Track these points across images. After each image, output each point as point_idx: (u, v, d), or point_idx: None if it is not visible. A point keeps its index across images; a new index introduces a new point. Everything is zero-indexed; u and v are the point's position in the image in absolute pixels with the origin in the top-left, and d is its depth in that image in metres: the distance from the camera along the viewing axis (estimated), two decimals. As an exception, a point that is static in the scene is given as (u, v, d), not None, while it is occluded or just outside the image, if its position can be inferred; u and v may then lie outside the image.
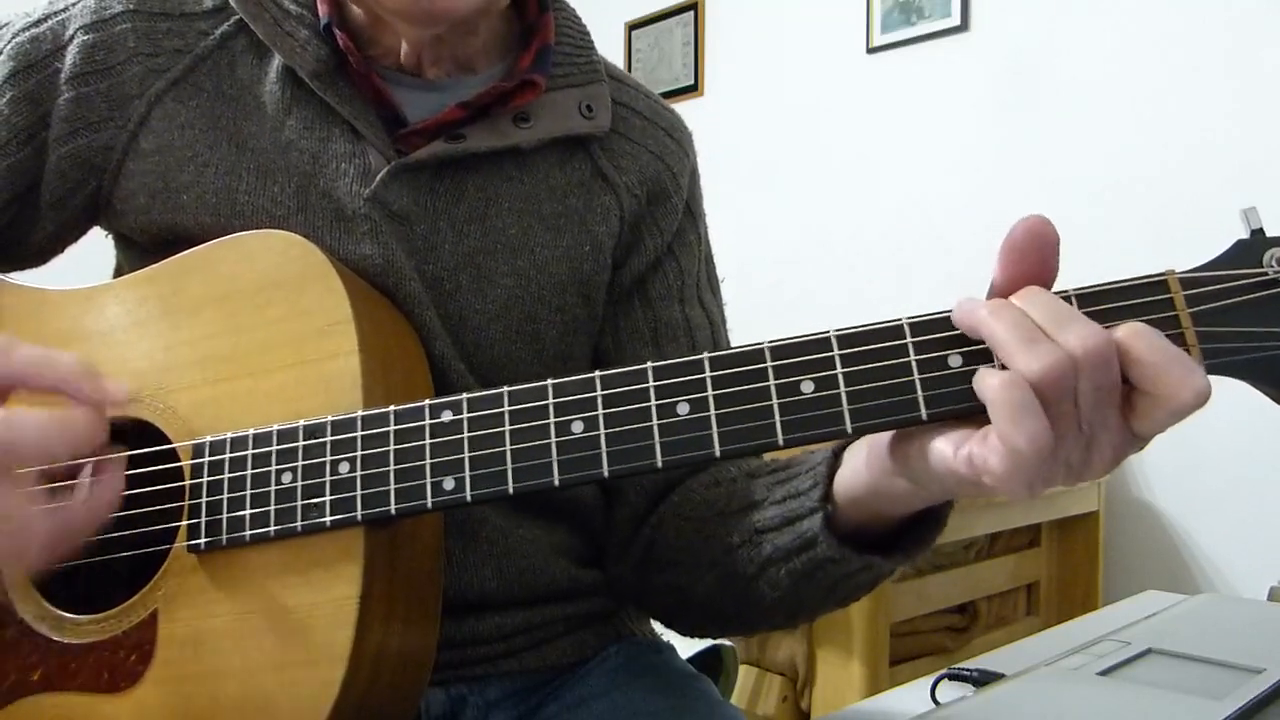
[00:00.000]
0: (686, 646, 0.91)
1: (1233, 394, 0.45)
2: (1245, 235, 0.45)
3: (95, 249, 0.79)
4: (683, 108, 0.84)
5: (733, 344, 0.80)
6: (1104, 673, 0.70)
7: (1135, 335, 0.44)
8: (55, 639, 0.60)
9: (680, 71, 3.24)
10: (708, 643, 1.14)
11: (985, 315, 0.46)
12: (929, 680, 0.78)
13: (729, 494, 0.66)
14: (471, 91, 0.71)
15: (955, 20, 2.57)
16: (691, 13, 3.21)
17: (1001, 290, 0.47)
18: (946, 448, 0.47)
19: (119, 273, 0.76)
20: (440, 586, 0.62)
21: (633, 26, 3.38)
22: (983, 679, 0.75)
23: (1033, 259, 0.46)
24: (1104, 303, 0.46)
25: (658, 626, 0.84)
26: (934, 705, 0.73)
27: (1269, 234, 0.44)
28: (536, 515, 0.73)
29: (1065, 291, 0.46)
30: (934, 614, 2.00)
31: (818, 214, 2.85)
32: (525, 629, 0.73)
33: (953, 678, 0.78)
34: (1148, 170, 2.24)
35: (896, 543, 0.58)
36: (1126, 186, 2.27)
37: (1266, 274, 0.44)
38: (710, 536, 0.66)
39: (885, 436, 0.52)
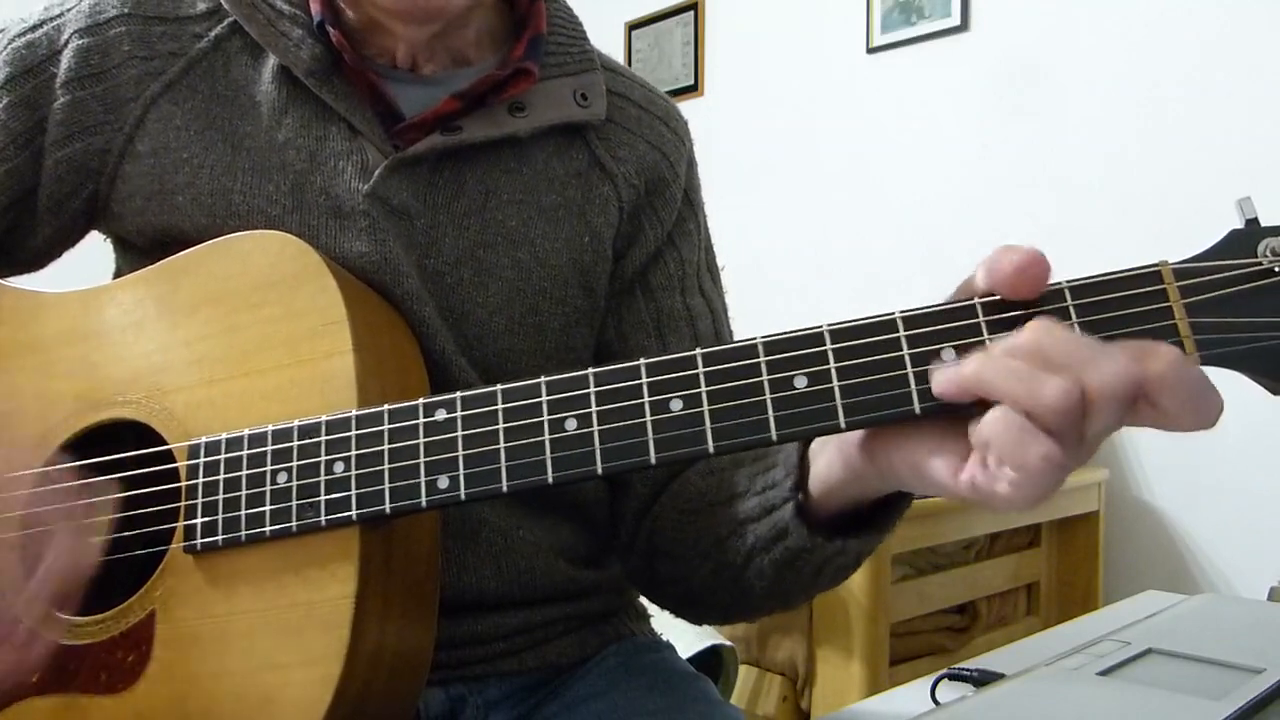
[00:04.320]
0: (686, 646, 0.91)
1: (1234, 394, 0.45)
2: (1239, 225, 0.45)
3: (94, 253, 0.79)
4: (683, 108, 0.84)
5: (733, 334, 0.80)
6: (1104, 673, 0.69)
7: (1171, 374, 0.41)
8: (52, 640, 0.60)
9: (680, 71, 3.24)
10: (708, 642, 1.14)
11: (975, 373, 0.44)
12: (929, 680, 0.78)
13: (718, 484, 0.66)
14: (466, 83, 0.71)
15: (955, 20, 2.57)
16: (691, 13, 3.21)
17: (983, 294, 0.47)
18: (944, 471, 0.47)
19: (118, 276, 0.76)
20: (437, 586, 0.62)
21: (633, 26, 3.39)
22: (983, 679, 0.75)
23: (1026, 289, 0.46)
24: (1098, 294, 0.45)
25: (659, 626, 0.84)
26: (934, 705, 0.72)
27: (1263, 224, 0.44)
28: (538, 515, 0.73)
29: (1059, 284, 0.46)
30: (934, 614, 2.00)
31: (817, 214, 2.85)
32: (524, 629, 0.72)
33: (953, 678, 0.77)
34: (1147, 170, 2.23)
35: (872, 519, 0.58)
36: (1126, 186, 2.26)
37: (1261, 264, 0.44)
38: (702, 528, 0.66)
39: (854, 438, 0.51)
